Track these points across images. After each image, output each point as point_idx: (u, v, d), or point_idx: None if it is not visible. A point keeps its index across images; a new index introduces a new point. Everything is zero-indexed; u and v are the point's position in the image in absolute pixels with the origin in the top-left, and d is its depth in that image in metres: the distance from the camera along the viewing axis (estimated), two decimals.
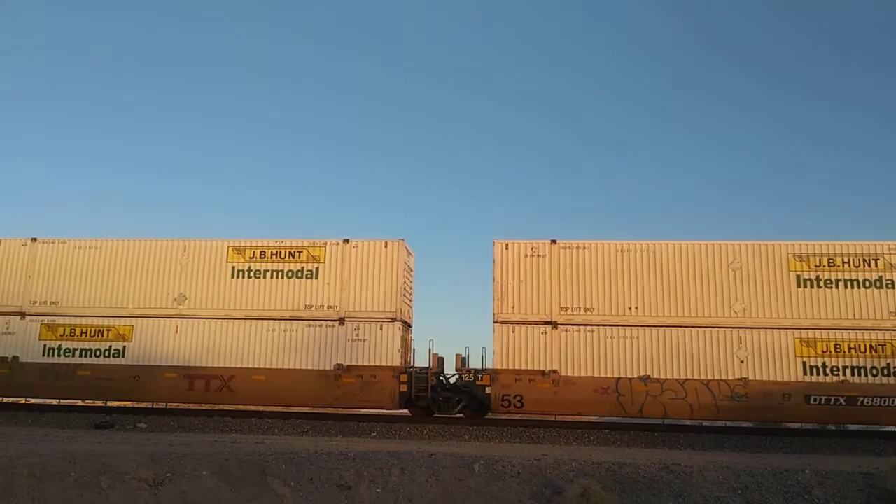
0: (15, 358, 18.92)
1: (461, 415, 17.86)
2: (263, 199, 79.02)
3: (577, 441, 15.53)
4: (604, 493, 8.60)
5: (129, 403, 20.69)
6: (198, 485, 9.08)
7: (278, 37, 77.46)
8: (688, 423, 18.29)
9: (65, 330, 19.01)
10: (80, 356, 18.77)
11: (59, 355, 18.86)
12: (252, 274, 18.78)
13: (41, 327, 19.05)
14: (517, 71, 77.05)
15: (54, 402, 19.91)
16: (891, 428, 17.60)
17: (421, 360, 18.77)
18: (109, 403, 20.30)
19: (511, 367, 17.29)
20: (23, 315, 19.17)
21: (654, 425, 17.38)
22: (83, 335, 18.91)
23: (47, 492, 8.76)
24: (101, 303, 19.02)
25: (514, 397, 17.17)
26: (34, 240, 19.67)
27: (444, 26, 77.34)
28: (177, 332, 18.55)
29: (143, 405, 20.84)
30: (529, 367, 17.25)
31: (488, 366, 17.69)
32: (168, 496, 8.92)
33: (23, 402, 20.44)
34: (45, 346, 18.99)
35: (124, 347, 18.66)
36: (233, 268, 18.87)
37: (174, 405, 19.59)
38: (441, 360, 18.66)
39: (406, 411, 18.71)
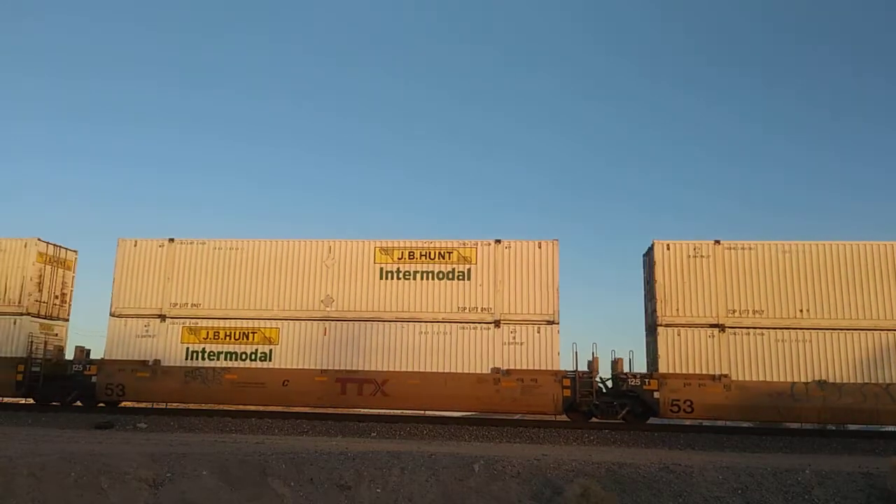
0: (157, 361, 18.51)
1: (622, 420, 17.33)
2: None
3: (577, 441, 15.53)
4: (604, 493, 8.59)
5: (128, 403, 20.65)
6: (198, 485, 9.07)
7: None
8: (688, 423, 18.28)
9: (208, 333, 18.60)
10: (226, 359, 18.37)
11: (202, 359, 18.48)
12: (401, 275, 18.41)
13: (183, 330, 18.68)
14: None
15: (54, 402, 19.90)
16: (891, 428, 17.61)
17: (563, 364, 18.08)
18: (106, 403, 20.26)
19: (679, 371, 16.96)
20: (163, 317, 18.79)
21: (654, 425, 17.37)
22: (227, 338, 18.50)
23: (47, 492, 8.75)
24: (244, 305, 18.65)
25: (685, 402, 16.78)
26: (172, 240, 19.31)
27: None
28: (325, 334, 18.20)
29: (143, 405, 20.82)
30: (698, 371, 16.92)
31: (636, 370, 17.38)
32: (168, 496, 8.91)
33: (23, 401, 20.41)
34: (187, 349, 18.59)
35: (271, 350, 18.29)
36: (381, 269, 18.50)
37: (202, 405, 19.40)
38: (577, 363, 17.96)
39: (565, 416, 18.14)
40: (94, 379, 18.62)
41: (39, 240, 20.18)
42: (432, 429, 16.53)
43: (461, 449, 11.54)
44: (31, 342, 19.56)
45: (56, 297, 20.84)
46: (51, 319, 20.58)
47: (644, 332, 18.81)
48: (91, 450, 10.09)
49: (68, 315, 21.38)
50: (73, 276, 21.57)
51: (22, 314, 19.56)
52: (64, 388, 19.12)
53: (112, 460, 9.30)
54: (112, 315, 18.92)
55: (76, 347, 19.75)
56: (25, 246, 19.95)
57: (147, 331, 18.76)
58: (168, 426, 16.62)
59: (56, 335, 20.64)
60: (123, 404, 20.19)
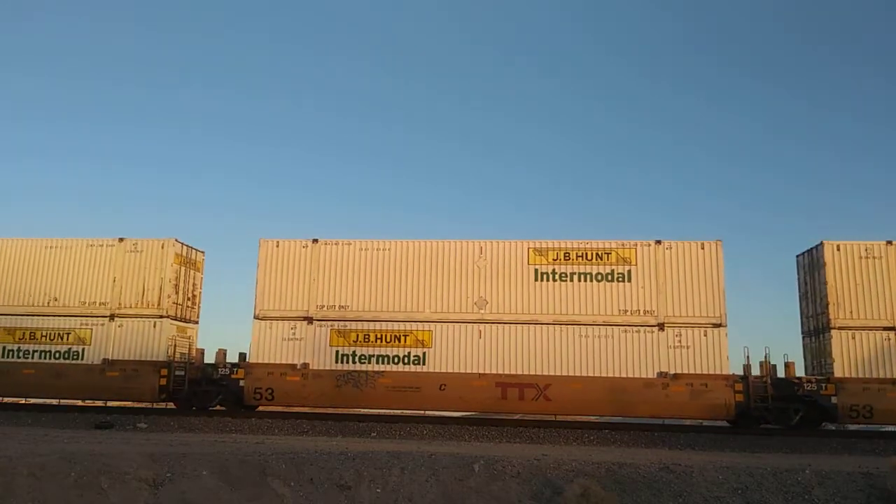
0: (305, 365, 18.10)
1: (794, 426, 16.90)
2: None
3: (577, 441, 15.53)
4: (604, 493, 8.59)
5: (127, 403, 20.58)
6: (198, 485, 9.08)
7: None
8: (688, 423, 18.27)
9: (357, 335, 18.14)
10: (378, 363, 17.97)
11: (353, 362, 18.04)
12: (557, 276, 17.89)
13: (331, 332, 18.22)
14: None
15: (54, 402, 19.90)
16: (891, 428, 17.59)
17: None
18: (109, 403, 20.25)
19: (854, 376, 16.59)
20: (310, 320, 18.30)
21: (655, 425, 17.36)
22: (378, 341, 18.07)
23: (47, 492, 8.76)
24: (395, 307, 18.20)
25: (864, 407, 16.43)
26: (315, 241, 18.82)
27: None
28: (480, 337, 17.71)
29: (142, 405, 20.74)
30: (877, 376, 16.55)
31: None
32: (168, 496, 8.91)
33: (23, 401, 20.40)
34: (337, 352, 18.13)
35: (424, 354, 17.83)
36: (535, 270, 17.96)
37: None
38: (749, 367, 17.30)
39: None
40: (241, 383, 18.15)
41: (176, 240, 19.72)
42: (432, 429, 16.53)
43: (461, 449, 11.54)
44: (175, 345, 19.13)
45: (188, 298, 20.37)
46: (185, 322, 20.13)
47: (801, 335, 18.46)
48: (91, 450, 10.09)
49: (198, 317, 20.94)
50: (201, 278, 21.15)
51: (162, 316, 19.04)
52: (208, 393, 18.78)
53: (112, 460, 9.30)
54: (256, 318, 18.46)
55: (218, 350, 19.30)
56: (163, 247, 19.44)
57: (294, 333, 18.31)
58: (168, 426, 16.62)
59: (189, 338, 20.19)
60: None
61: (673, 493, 8.96)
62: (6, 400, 20.54)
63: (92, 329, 19.10)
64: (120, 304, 19.19)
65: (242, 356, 18.78)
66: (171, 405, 19.81)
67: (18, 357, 19.20)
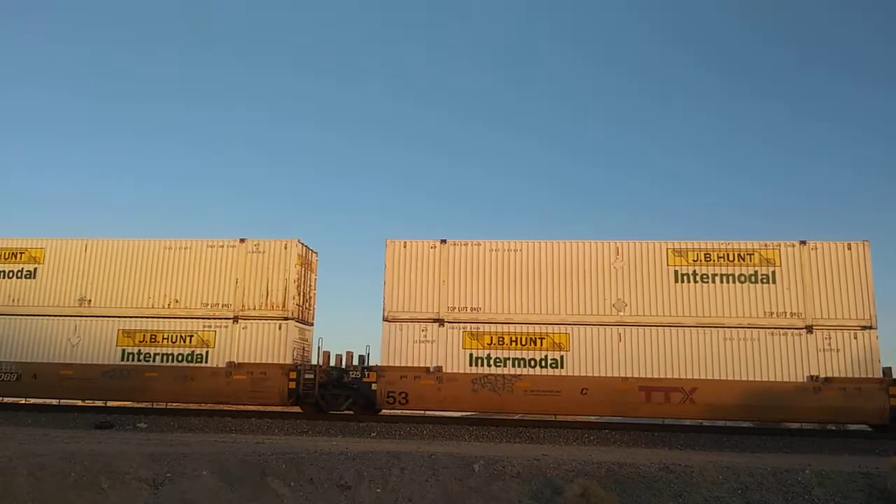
0: (438, 368, 17.62)
1: None
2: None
3: (577, 441, 15.52)
4: (604, 493, 8.59)
5: (127, 403, 20.57)
6: (198, 485, 9.07)
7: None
8: (688, 423, 18.26)
9: (492, 338, 17.71)
10: (514, 366, 17.49)
11: (487, 365, 17.60)
12: (698, 278, 17.51)
13: (464, 335, 17.77)
14: None
15: (54, 401, 19.86)
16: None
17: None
18: (110, 403, 20.24)
19: None
20: (441, 322, 17.86)
21: (654, 425, 17.35)
22: (513, 343, 17.58)
23: (47, 492, 8.76)
24: (529, 309, 17.72)
25: None
26: (444, 241, 18.35)
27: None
28: (620, 340, 17.32)
29: (142, 405, 20.76)
30: None
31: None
32: (168, 496, 8.91)
33: (23, 402, 20.37)
34: (470, 355, 17.67)
35: (562, 357, 17.38)
36: (675, 271, 17.58)
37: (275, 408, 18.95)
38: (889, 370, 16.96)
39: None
40: (374, 386, 17.71)
41: (299, 241, 19.29)
42: (432, 429, 16.51)
43: (461, 449, 11.53)
44: (304, 348, 18.94)
45: (305, 300, 19.89)
46: (304, 324, 19.75)
47: None
48: (91, 450, 10.08)
49: (314, 319, 20.50)
50: (315, 279, 20.69)
51: (287, 318, 18.57)
52: (338, 397, 18.50)
53: (112, 460, 9.30)
54: (385, 319, 18.01)
55: (346, 353, 19.01)
56: (286, 248, 18.97)
57: (425, 336, 17.86)
58: (168, 426, 16.60)
59: (306, 340, 19.82)
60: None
61: (673, 493, 8.95)
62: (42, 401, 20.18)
63: (215, 331, 18.61)
64: (243, 305, 18.70)
65: (361, 359, 18.49)
66: (288, 409, 19.17)
67: (139, 360, 18.66)
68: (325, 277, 21.67)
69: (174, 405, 19.61)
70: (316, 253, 20.66)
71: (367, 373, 17.98)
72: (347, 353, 18.99)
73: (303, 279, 19.56)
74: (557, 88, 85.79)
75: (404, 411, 18.35)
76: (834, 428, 17.89)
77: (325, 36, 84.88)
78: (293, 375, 18.10)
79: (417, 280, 18.26)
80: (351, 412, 18.47)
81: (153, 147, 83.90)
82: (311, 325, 20.25)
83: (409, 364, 17.74)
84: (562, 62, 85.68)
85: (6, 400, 20.50)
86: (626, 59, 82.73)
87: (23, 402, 20.41)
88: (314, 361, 18.96)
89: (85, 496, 8.79)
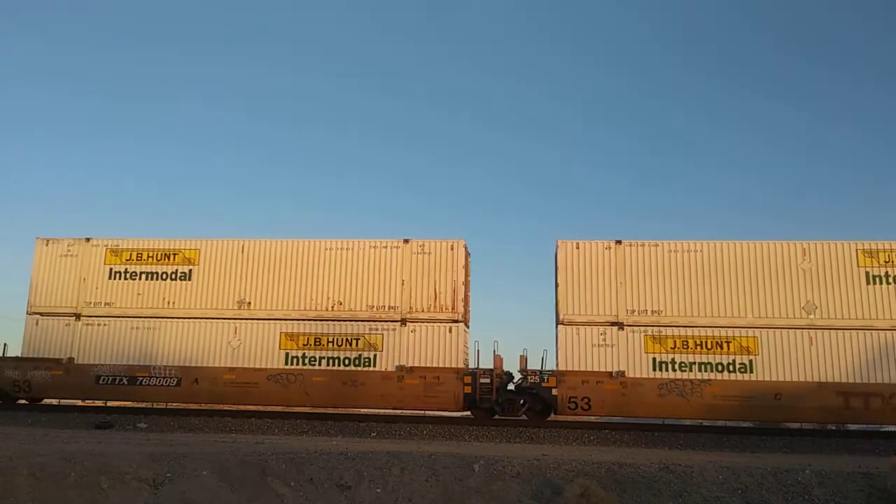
0: (620, 372, 17.26)
1: None
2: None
3: (577, 441, 15.52)
4: (604, 493, 8.59)
5: (128, 403, 20.51)
6: (198, 485, 9.07)
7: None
8: (688, 423, 18.25)
9: (675, 342, 17.27)
10: (700, 371, 17.07)
11: (672, 370, 17.16)
12: (892, 280, 17.21)
13: (646, 339, 17.38)
14: None
15: (54, 401, 19.82)
16: (891, 428, 17.58)
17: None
18: (110, 403, 20.20)
19: None
20: (621, 325, 17.48)
21: (654, 425, 17.35)
22: (698, 347, 17.22)
23: (47, 492, 8.75)
24: (713, 312, 17.36)
25: None
26: (619, 242, 18.01)
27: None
28: (811, 344, 16.95)
29: (143, 405, 20.69)
30: None
31: None
32: (168, 496, 8.91)
33: (23, 402, 20.32)
34: (653, 359, 17.26)
35: (751, 361, 17.01)
36: (867, 273, 17.24)
37: (218, 406, 18.91)
38: None
39: None
40: (554, 391, 17.22)
41: (464, 242, 18.84)
42: (432, 429, 16.51)
43: (461, 449, 11.53)
44: (479, 351, 18.36)
45: (462, 301, 19.25)
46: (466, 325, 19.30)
47: None
48: (91, 450, 10.08)
49: (469, 320, 19.81)
50: (469, 280, 19.92)
51: (457, 321, 18.05)
52: (513, 402, 17.80)
53: (112, 460, 9.29)
54: (561, 323, 17.67)
55: (520, 357, 18.26)
56: (452, 248, 18.54)
57: (604, 339, 17.40)
58: (168, 426, 16.60)
59: (466, 343, 19.28)
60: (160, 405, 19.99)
61: (673, 493, 8.95)
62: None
63: (383, 334, 18.10)
64: (411, 308, 18.22)
65: (522, 360, 17.96)
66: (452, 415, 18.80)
67: (304, 364, 18.20)
68: None
69: (173, 405, 19.58)
70: (469, 254, 19.86)
71: (545, 377, 17.40)
72: (521, 356, 18.20)
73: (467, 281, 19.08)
74: (558, 88, 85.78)
75: (586, 417, 18.05)
76: (833, 428, 17.91)
77: (326, 35, 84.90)
78: (468, 380, 17.51)
79: (593, 282, 17.83)
80: (525, 418, 17.82)
81: (159, 147, 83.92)
82: (468, 326, 19.57)
83: (589, 368, 17.31)
84: (562, 62, 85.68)
85: (172, 405, 19.61)
86: (627, 59, 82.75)
87: (23, 402, 20.30)
88: (471, 365, 18.32)
89: (85, 496, 8.78)
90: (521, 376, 18.09)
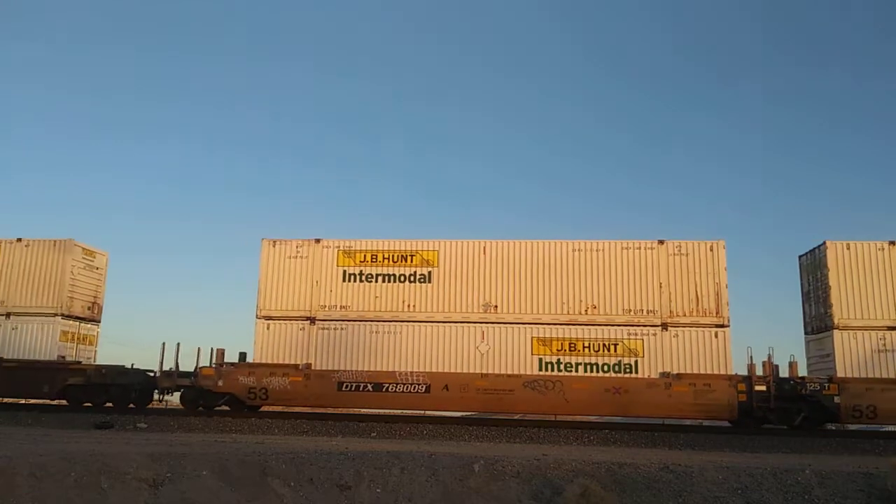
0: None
1: None
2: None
3: (577, 441, 15.52)
4: (604, 493, 8.60)
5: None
6: (198, 485, 9.07)
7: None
8: (688, 422, 18.22)
9: None
10: None
11: None
12: None
13: None
14: None
15: (54, 402, 19.83)
16: (891, 428, 17.57)
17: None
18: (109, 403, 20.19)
19: None
20: None
21: (654, 425, 17.34)
22: None
23: (47, 492, 8.75)
24: None
25: None
26: (892, 243, 17.44)
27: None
28: None
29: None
30: None
31: None
32: (168, 496, 8.91)
33: (23, 402, 20.35)
34: None
35: None
36: None
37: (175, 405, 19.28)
38: None
39: None
40: (836, 399, 16.45)
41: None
42: (432, 429, 16.50)
43: (461, 449, 11.53)
44: (751, 357, 17.50)
45: (725, 305, 18.50)
46: None
47: None
48: (91, 450, 10.08)
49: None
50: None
51: (722, 325, 17.34)
52: (788, 410, 16.84)
53: (112, 460, 9.30)
54: (836, 328, 17.09)
55: (790, 362, 17.47)
56: (711, 249, 17.88)
57: (883, 344, 16.82)
58: (168, 426, 16.59)
59: None
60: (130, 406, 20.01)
61: (673, 493, 8.95)
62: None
63: (642, 339, 17.31)
64: (671, 311, 17.41)
65: (773, 368, 17.14)
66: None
67: (559, 370, 17.35)
68: None
69: (173, 406, 19.57)
70: None
71: (825, 385, 16.70)
72: (791, 362, 17.38)
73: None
74: (558, 87, 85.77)
75: (870, 426, 17.77)
76: (833, 428, 17.90)
77: (329, 34, 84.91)
78: (742, 387, 16.72)
79: (868, 284, 17.28)
80: (800, 428, 16.99)
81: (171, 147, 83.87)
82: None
83: (870, 374, 16.73)
84: (563, 60, 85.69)
85: (412, 413, 18.76)
86: (628, 58, 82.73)
87: (23, 402, 20.35)
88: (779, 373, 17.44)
89: (85, 496, 8.79)
90: (791, 383, 17.04)
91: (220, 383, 18.14)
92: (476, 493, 9.06)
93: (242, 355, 18.68)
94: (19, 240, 20.49)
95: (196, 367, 18.58)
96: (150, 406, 20.08)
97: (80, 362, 20.26)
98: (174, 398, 19.56)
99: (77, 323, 20.70)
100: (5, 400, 20.43)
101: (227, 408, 18.66)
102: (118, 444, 11.43)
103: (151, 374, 19.33)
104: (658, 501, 8.87)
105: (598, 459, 10.00)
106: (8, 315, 20.01)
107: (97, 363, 20.60)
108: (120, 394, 19.32)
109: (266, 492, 9.07)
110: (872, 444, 15.17)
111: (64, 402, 19.58)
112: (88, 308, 21.22)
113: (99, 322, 21.78)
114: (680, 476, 9.24)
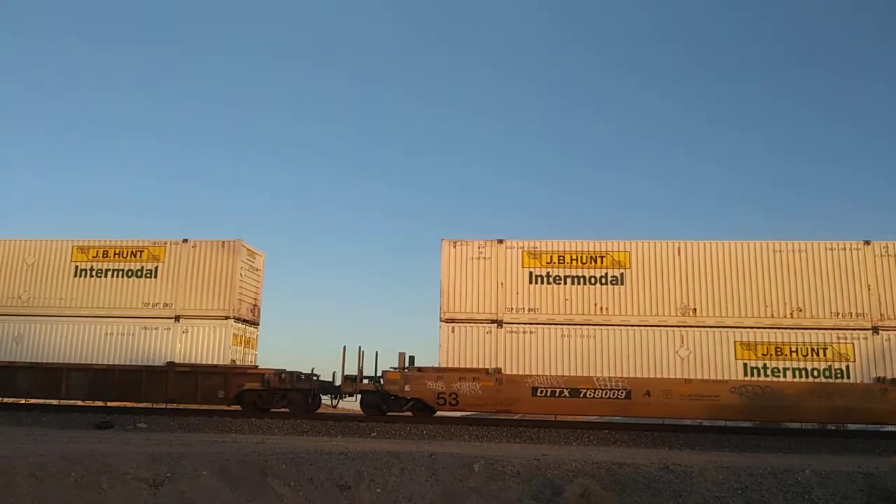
0: None
1: None
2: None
3: (577, 441, 15.53)
4: (604, 493, 8.60)
5: (129, 403, 20.48)
6: (198, 485, 9.08)
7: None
8: (688, 422, 18.23)
9: None
10: None
11: None
12: None
13: None
14: None
15: (54, 402, 19.82)
16: (891, 428, 17.56)
17: None
18: (109, 403, 20.21)
19: None
20: None
21: (654, 425, 17.34)
22: None
23: (47, 492, 8.76)
24: None
25: None
26: None
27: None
28: None
29: (143, 405, 20.68)
30: None
31: None
32: (168, 496, 8.92)
33: (23, 402, 20.36)
34: None
35: None
36: None
37: (173, 405, 19.28)
38: None
39: None
40: None
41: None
42: (432, 429, 16.51)
43: (461, 449, 11.54)
44: None
45: None
46: None
47: None
48: (91, 450, 10.09)
49: None
50: None
51: None
52: None
53: (112, 460, 9.30)
54: None
55: None
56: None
57: None
58: (168, 426, 16.60)
59: None
60: (122, 405, 20.02)
61: (673, 493, 8.96)
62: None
63: (853, 343, 16.79)
64: (881, 315, 16.93)
65: None
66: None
67: (766, 375, 16.89)
68: None
69: (173, 405, 19.57)
70: None
71: None
72: None
73: None
74: (559, 85, 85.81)
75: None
76: (833, 428, 17.91)
77: (329, 33, 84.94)
78: None
79: None
80: None
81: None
82: None
83: None
84: (564, 59, 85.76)
85: (602, 420, 18.65)
86: (629, 57, 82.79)
87: (23, 402, 20.33)
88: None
89: (85, 496, 8.79)
90: None
91: (408, 388, 17.65)
92: (476, 493, 9.06)
93: (411, 359, 18.20)
94: (185, 240, 19.80)
95: (375, 371, 18.21)
96: (317, 410, 19.53)
97: (256, 366, 19.68)
98: (341, 403, 19.16)
99: (244, 326, 20.26)
100: (5, 400, 20.27)
101: (408, 413, 18.14)
102: (118, 444, 11.44)
103: (314, 378, 19.03)
104: (658, 501, 8.87)
105: (598, 459, 10.01)
106: (177, 318, 19.27)
107: (274, 367, 19.45)
108: (299, 399, 18.83)
109: (266, 492, 9.08)
110: (872, 444, 15.18)
111: (237, 407, 18.93)
112: (250, 310, 20.68)
113: (258, 325, 21.22)
114: (680, 476, 9.25)
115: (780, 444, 15.31)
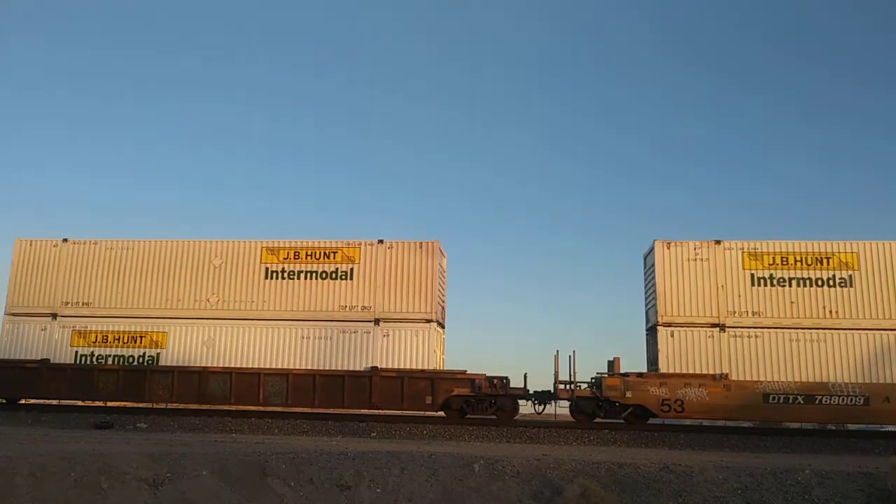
0: None
1: None
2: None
3: (577, 441, 15.53)
4: (604, 493, 8.60)
5: (128, 403, 20.47)
6: (198, 485, 9.08)
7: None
8: (688, 422, 18.24)
9: None
10: None
11: None
12: None
13: None
14: None
15: (54, 402, 19.80)
16: (891, 428, 17.57)
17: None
18: (109, 403, 20.21)
19: None
20: None
21: (654, 425, 17.35)
22: None
23: (47, 492, 8.76)
24: None
25: None
26: None
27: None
28: None
29: (142, 405, 20.67)
30: None
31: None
32: (168, 496, 8.92)
33: (23, 402, 20.34)
34: None
35: None
36: None
37: (174, 405, 19.22)
38: None
39: None
40: None
41: None
42: (432, 429, 16.52)
43: (461, 449, 11.55)
44: None
45: None
46: None
47: None
48: (91, 450, 10.09)
49: None
50: None
51: None
52: None
53: (112, 460, 9.30)
54: None
55: None
56: None
57: None
58: (168, 426, 16.61)
59: None
60: (122, 405, 20.00)
61: (673, 493, 8.96)
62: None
63: None
64: None
65: None
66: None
67: None
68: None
69: (172, 405, 19.55)
70: None
71: None
72: None
73: None
74: (556, 85, 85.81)
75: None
76: (833, 428, 17.92)
77: (328, 33, 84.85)
78: None
79: None
80: None
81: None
82: None
83: None
84: (563, 59, 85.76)
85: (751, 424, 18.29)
86: (627, 57, 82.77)
87: (22, 401, 20.32)
88: None
89: (85, 496, 8.79)
90: None
91: (629, 394, 17.06)
92: (476, 493, 9.06)
93: (609, 363, 17.77)
94: (381, 241, 19.22)
95: (593, 377, 17.69)
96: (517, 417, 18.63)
97: (465, 371, 18.49)
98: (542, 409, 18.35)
99: (441, 329, 19.64)
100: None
101: (622, 421, 17.47)
102: (118, 444, 11.44)
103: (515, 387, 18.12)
104: (658, 501, 8.88)
105: (598, 459, 10.01)
106: (377, 321, 18.58)
107: (482, 373, 18.27)
108: (509, 405, 17.97)
109: (266, 492, 9.08)
110: (872, 444, 15.20)
111: (442, 413, 18.25)
112: (442, 313, 19.92)
113: (445, 327, 20.28)
114: (680, 476, 9.25)
115: (780, 444, 15.32)
